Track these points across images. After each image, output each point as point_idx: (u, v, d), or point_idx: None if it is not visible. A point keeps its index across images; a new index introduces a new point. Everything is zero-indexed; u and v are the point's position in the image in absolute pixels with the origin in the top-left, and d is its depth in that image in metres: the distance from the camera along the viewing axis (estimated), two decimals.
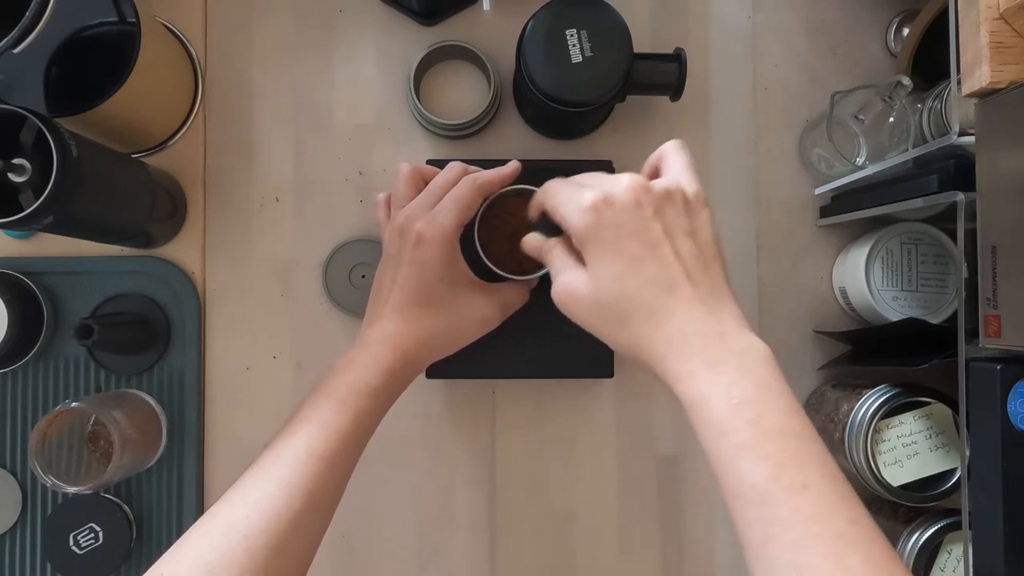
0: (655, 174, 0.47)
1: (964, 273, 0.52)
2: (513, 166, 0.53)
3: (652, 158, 0.48)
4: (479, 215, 0.53)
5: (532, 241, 0.49)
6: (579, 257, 0.45)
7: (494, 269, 0.53)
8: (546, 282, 0.48)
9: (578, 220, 0.43)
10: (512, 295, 0.55)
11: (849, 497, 0.36)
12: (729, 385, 0.39)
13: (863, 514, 0.36)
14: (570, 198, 0.44)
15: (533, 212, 0.49)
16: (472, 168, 0.53)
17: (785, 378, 0.40)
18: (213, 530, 0.40)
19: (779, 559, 0.35)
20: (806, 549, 0.34)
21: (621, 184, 0.43)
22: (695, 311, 0.41)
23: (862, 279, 0.60)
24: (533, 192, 0.49)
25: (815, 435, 0.38)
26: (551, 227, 0.47)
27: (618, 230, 0.42)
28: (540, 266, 0.54)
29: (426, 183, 0.53)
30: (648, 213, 0.42)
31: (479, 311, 0.53)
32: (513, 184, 0.53)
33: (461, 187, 0.51)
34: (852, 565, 0.34)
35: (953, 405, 0.56)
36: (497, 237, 0.54)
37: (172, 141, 0.65)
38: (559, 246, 0.47)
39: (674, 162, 0.46)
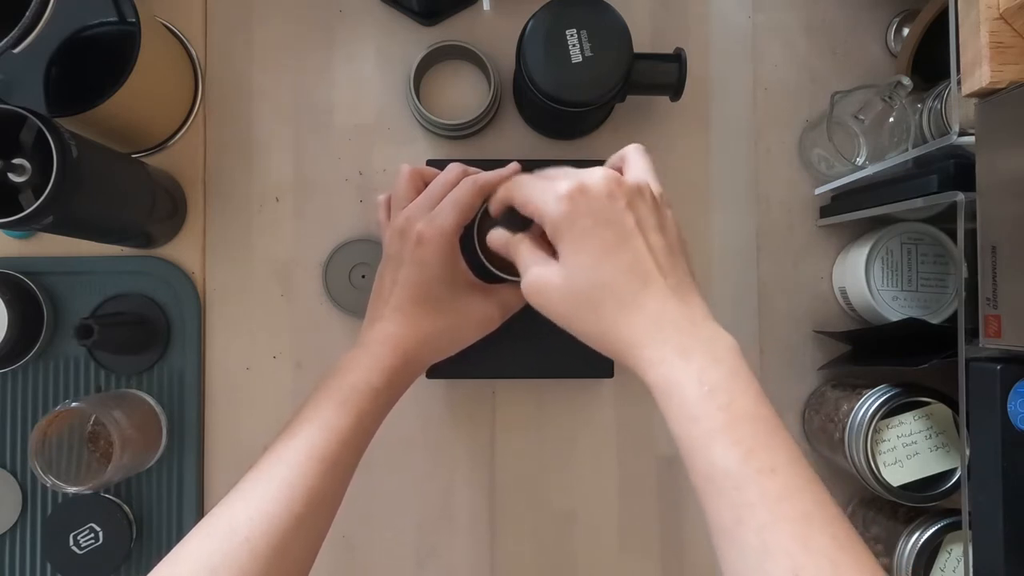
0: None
1: (964, 273, 0.52)
2: (513, 167, 0.53)
3: (614, 159, 0.49)
4: (479, 216, 0.53)
5: (498, 237, 0.50)
6: (548, 251, 0.46)
7: (494, 270, 0.53)
8: None
9: (554, 208, 0.44)
10: (512, 296, 0.55)
11: (814, 480, 0.38)
12: (700, 371, 0.40)
13: (827, 497, 0.37)
14: (544, 189, 0.45)
15: (496, 208, 0.50)
16: (472, 169, 0.53)
17: (750, 368, 0.41)
18: (215, 532, 0.40)
19: (749, 541, 0.36)
20: (775, 530, 0.35)
21: (595, 175, 0.44)
22: (667, 300, 0.42)
23: (862, 279, 0.60)
24: None
25: (780, 422, 0.39)
26: (517, 222, 0.47)
27: (594, 218, 0.43)
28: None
29: (426, 184, 0.53)
30: (621, 205, 0.43)
31: (479, 312, 0.53)
32: None
33: (461, 188, 0.51)
34: (819, 544, 0.35)
35: (953, 405, 0.56)
36: None
37: (172, 141, 0.65)
38: (526, 240, 0.47)
39: (636, 164, 0.47)
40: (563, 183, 0.44)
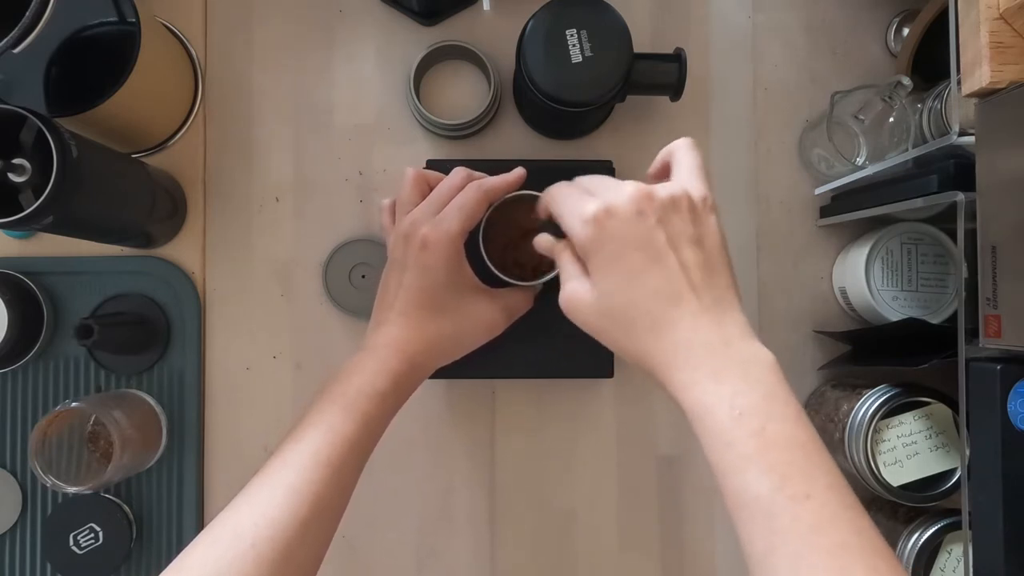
0: (665, 171, 0.46)
1: (964, 273, 0.52)
2: (518, 172, 0.53)
3: (662, 154, 0.47)
4: (484, 221, 0.53)
5: (544, 241, 0.49)
6: (585, 264, 0.45)
7: (499, 275, 0.53)
8: (550, 286, 0.48)
9: (580, 231, 0.43)
10: (517, 300, 0.55)
11: (853, 507, 0.36)
12: (733, 395, 0.38)
13: (867, 524, 0.36)
14: (572, 209, 0.44)
15: (542, 212, 0.49)
16: (477, 174, 0.53)
17: (790, 386, 0.39)
18: (220, 538, 0.40)
19: (781, 570, 0.35)
20: (807, 561, 0.34)
21: (624, 193, 0.42)
22: (699, 321, 0.41)
23: (862, 279, 0.60)
24: (538, 198, 0.49)
25: (820, 444, 0.38)
26: (559, 228, 0.46)
27: (621, 242, 0.42)
28: (545, 272, 0.54)
29: (431, 188, 0.53)
30: (651, 222, 0.42)
31: (484, 316, 0.53)
32: (518, 190, 0.53)
33: (466, 193, 0.51)
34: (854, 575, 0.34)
35: (953, 405, 0.56)
36: (502, 242, 0.54)
37: (172, 141, 0.65)
38: (568, 250, 0.46)
39: (684, 162, 0.45)
40: (590, 205, 0.42)
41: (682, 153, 0.46)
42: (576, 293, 0.44)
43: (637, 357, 0.43)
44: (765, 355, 0.40)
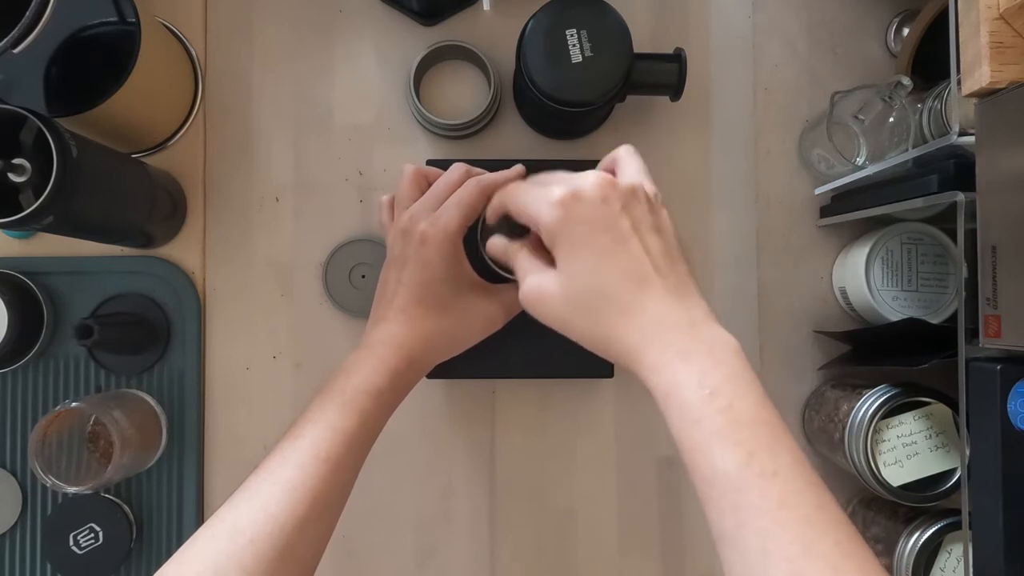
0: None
1: (964, 273, 0.52)
2: (518, 169, 0.53)
3: (606, 161, 0.49)
4: (483, 217, 0.53)
5: (497, 244, 0.50)
6: (545, 258, 0.45)
7: (498, 270, 0.53)
8: None
9: (548, 215, 0.43)
10: (515, 296, 0.55)
11: (816, 483, 0.37)
12: (701, 374, 0.39)
13: (830, 500, 0.37)
14: (537, 196, 0.44)
15: (492, 215, 0.50)
16: (476, 170, 0.53)
17: (753, 370, 0.40)
18: (220, 534, 0.40)
19: (750, 545, 0.35)
20: (776, 535, 0.35)
21: (588, 180, 0.43)
22: (666, 303, 0.42)
23: (862, 279, 0.60)
24: None
25: (783, 425, 0.39)
26: (515, 229, 0.47)
27: (589, 224, 0.43)
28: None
29: (430, 184, 0.53)
30: (616, 208, 0.43)
31: (483, 312, 0.53)
32: None
33: (465, 189, 0.51)
34: (821, 550, 0.34)
35: (953, 405, 0.56)
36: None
37: (172, 141, 0.65)
38: (524, 248, 0.47)
39: (630, 165, 0.47)
40: (556, 189, 0.43)
41: (626, 157, 0.48)
42: (540, 285, 0.45)
43: (605, 344, 0.43)
44: (729, 338, 0.41)
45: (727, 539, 0.37)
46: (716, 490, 0.37)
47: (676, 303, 0.42)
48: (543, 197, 0.44)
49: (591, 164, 0.60)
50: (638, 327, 0.42)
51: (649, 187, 0.46)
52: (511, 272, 0.53)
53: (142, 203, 0.58)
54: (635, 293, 0.42)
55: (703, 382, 0.39)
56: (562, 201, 0.43)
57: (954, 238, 0.58)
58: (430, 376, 0.58)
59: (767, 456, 0.37)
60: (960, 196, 0.48)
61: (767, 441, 0.38)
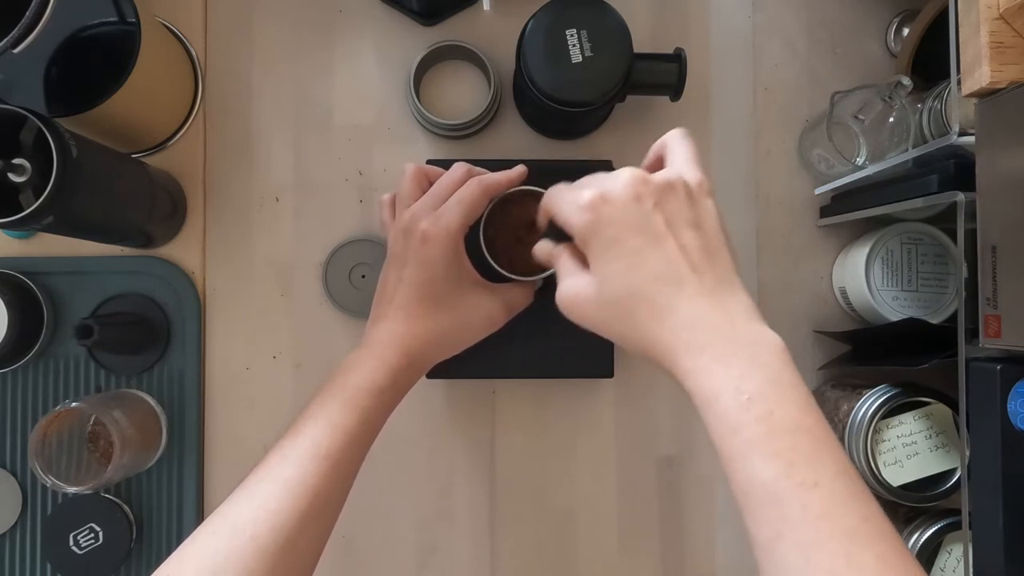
0: (659, 164, 0.46)
1: (964, 273, 0.52)
2: (520, 170, 0.53)
3: (656, 147, 0.47)
4: (485, 216, 0.53)
5: (542, 248, 0.49)
6: (583, 262, 0.44)
7: (499, 270, 0.53)
8: (549, 283, 0.48)
9: (577, 219, 0.42)
10: (517, 296, 0.55)
11: (861, 493, 0.36)
12: (739, 380, 0.38)
13: (876, 511, 0.35)
14: (569, 200, 0.44)
15: (542, 219, 0.49)
16: (477, 169, 0.53)
17: (797, 371, 0.39)
18: (220, 531, 0.40)
19: (789, 558, 0.34)
20: (816, 548, 0.34)
21: (619, 180, 0.42)
22: (702, 304, 0.40)
23: (862, 279, 0.60)
24: (539, 194, 0.49)
25: (828, 430, 0.37)
26: (559, 233, 0.46)
27: (619, 226, 0.41)
28: (544, 267, 0.54)
29: (431, 183, 0.53)
30: (648, 206, 0.41)
31: (484, 311, 0.53)
32: (519, 186, 0.53)
33: (467, 188, 0.51)
34: (864, 563, 0.33)
35: (953, 405, 0.56)
36: (502, 238, 0.54)
37: (172, 141, 0.65)
38: (566, 252, 0.46)
39: (677, 151, 0.45)
40: (586, 193, 0.42)
41: (675, 143, 0.46)
42: (573, 288, 0.44)
43: (641, 346, 0.42)
44: (772, 337, 0.40)
45: (765, 551, 0.35)
46: (754, 500, 0.36)
47: (713, 303, 0.40)
48: (573, 201, 0.43)
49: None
50: (671, 330, 0.40)
51: (693, 177, 0.43)
52: (513, 271, 0.53)
53: (142, 203, 0.58)
54: (668, 295, 0.40)
55: (741, 388, 0.37)
56: (591, 204, 0.42)
57: (954, 238, 0.58)
58: (430, 376, 0.58)
59: (808, 466, 0.35)
60: (960, 196, 0.48)
61: (808, 450, 0.36)
